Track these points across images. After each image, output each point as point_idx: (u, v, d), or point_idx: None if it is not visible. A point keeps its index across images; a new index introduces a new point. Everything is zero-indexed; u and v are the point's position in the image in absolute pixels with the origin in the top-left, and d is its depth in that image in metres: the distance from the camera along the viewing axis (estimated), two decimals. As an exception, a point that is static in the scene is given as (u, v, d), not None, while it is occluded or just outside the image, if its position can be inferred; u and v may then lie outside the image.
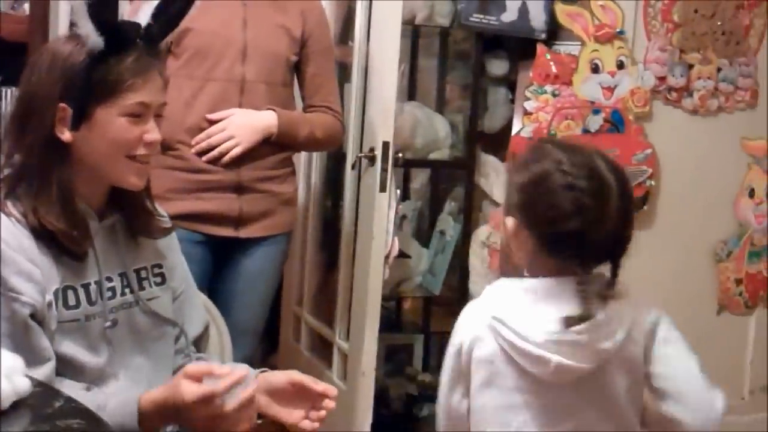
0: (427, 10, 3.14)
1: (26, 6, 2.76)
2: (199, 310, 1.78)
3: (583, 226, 1.37)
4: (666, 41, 2.73)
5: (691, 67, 2.78)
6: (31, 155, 1.50)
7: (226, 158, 2.21)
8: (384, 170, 2.57)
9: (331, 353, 2.82)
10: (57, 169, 1.50)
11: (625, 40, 2.68)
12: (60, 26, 2.77)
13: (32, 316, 1.44)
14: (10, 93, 2.76)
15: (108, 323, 1.54)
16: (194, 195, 2.21)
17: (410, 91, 3.23)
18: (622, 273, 2.70)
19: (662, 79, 2.74)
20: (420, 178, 3.31)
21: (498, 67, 3.16)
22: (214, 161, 2.22)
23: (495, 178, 3.10)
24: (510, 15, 2.91)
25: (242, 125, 2.21)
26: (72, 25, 1.52)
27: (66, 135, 1.50)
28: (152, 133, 1.55)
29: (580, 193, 1.37)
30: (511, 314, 1.42)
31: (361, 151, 2.66)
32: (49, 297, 1.46)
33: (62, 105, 1.49)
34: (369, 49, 2.71)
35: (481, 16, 2.92)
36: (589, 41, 2.65)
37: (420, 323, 3.26)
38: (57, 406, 1.26)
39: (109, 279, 1.56)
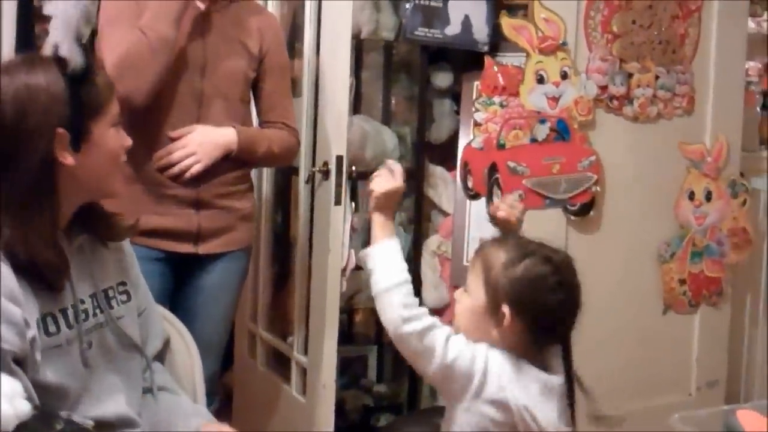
0: (372, 24, 3.18)
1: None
2: (158, 325, 1.80)
3: (569, 316, 1.65)
4: (606, 51, 2.82)
5: (630, 75, 2.87)
6: (25, 186, 1.47)
7: (187, 175, 2.21)
8: (338, 184, 2.60)
9: (289, 368, 2.83)
10: (52, 196, 1.50)
11: (568, 51, 2.76)
12: (5, 51, 2.74)
13: (14, 360, 1.42)
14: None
15: (84, 345, 1.54)
16: (154, 210, 2.21)
17: (356, 104, 3.27)
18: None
19: (604, 88, 2.82)
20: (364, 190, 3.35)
21: (442, 79, 3.22)
22: (175, 178, 2.22)
23: (443, 188, 3.16)
24: (453, 28, 2.98)
25: (203, 142, 2.22)
26: (55, 47, 1.52)
27: (69, 159, 1.50)
28: (127, 139, 1.62)
29: (569, 290, 1.66)
30: (532, 403, 1.60)
31: (314, 165, 2.69)
32: (32, 332, 1.45)
33: (60, 131, 1.48)
34: (319, 63, 2.74)
35: (426, 30, 2.97)
36: (534, 53, 2.72)
37: (372, 335, 3.30)
38: (58, 429, 1.27)
39: (82, 301, 1.56)
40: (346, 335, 3.20)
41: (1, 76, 1.50)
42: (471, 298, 1.64)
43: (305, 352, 2.72)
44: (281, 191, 3.13)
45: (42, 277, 1.48)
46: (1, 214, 1.46)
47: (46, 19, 2.90)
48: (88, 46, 1.57)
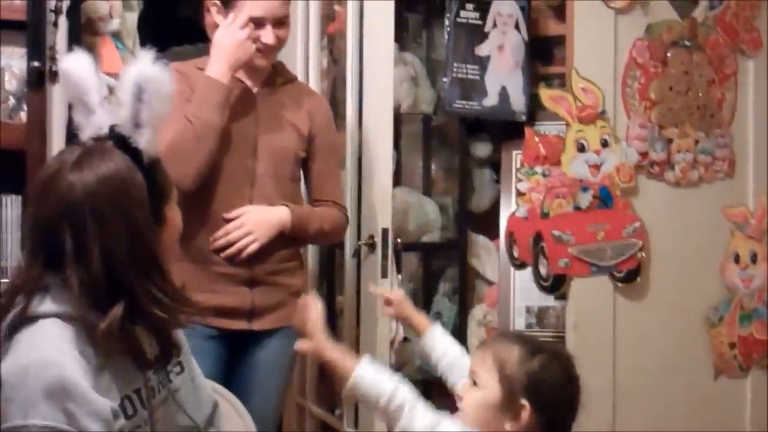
0: (411, 98, 3.26)
1: (23, 114, 2.80)
2: (206, 390, 1.79)
3: (576, 409, 1.69)
4: (645, 118, 2.85)
5: (670, 141, 2.89)
6: (153, 274, 1.48)
7: (244, 254, 2.26)
8: (385, 257, 2.63)
9: (338, 441, 2.83)
10: (167, 273, 1.52)
11: (607, 120, 2.79)
12: (56, 134, 2.82)
13: None
14: (10, 201, 2.79)
15: (155, 423, 1.55)
16: (209, 288, 2.25)
17: (396, 176, 3.32)
18: (622, 343, 2.78)
19: (644, 154, 2.85)
20: (411, 261, 3.37)
21: (482, 149, 3.27)
22: (232, 257, 2.26)
23: (486, 257, 3.18)
24: (491, 100, 3.04)
25: (258, 222, 2.27)
26: (124, 138, 1.52)
27: None
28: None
29: (577, 385, 1.69)
30: None
31: (359, 238, 2.72)
32: (121, 421, 1.46)
33: None
34: (362, 137, 2.80)
35: (464, 102, 3.04)
36: (574, 122, 2.75)
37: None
38: None
39: (149, 380, 1.56)
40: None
41: (74, 173, 1.46)
42: (483, 392, 1.65)
43: (355, 425, 2.72)
44: (326, 265, 3.16)
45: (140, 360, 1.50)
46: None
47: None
48: None
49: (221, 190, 2.28)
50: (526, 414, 1.62)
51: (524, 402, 1.62)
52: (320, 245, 3.03)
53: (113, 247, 1.45)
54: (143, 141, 1.50)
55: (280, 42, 2.37)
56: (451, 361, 1.92)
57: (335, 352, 1.74)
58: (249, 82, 2.38)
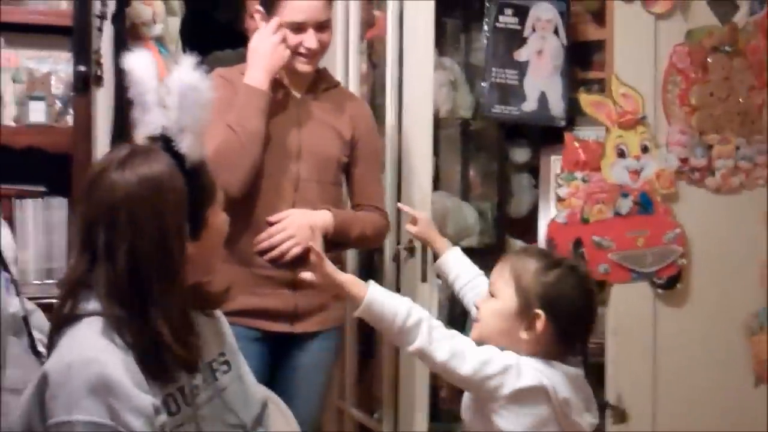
0: (449, 103, 3.27)
1: (69, 118, 2.84)
2: (254, 388, 1.81)
3: (591, 319, 1.76)
4: (686, 124, 2.84)
5: (711, 147, 2.88)
6: (175, 279, 1.52)
7: (287, 257, 2.28)
8: (424, 261, 2.65)
9: (377, 444, 2.84)
10: (183, 283, 1.55)
11: (647, 125, 2.79)
12: (101, 138, 2.86)
13: None
14: (57, 203, 2.84)
15: (199, 420, 1.58)
16: (252, 291, 2.28)
17: (435, 181, 3.32)
18: (662, 350, 2.77)
19: (685, 160, 2.84)
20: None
21: (521, 154, 3.27)
22: (274, 260, 2.29)
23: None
24: (530, 105, 3.04)
25: (301, 225, 2.30)
26: (166, 138, 1.56)
27: (191, 249, 1.54)
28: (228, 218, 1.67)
29: (592, 296, 1.75)
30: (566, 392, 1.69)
31: (399, 243, 2.74)
32: (163, 417, 1.49)
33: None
34: (401, 142, 2.81)
35: (503, 107, 3.04)
36: (614, 128, 2.75)
37: (458, 411, 3.28)
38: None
39: (193, 377, 1.60)
40: (431, 412, 3.20)
41: (117, 171, 1.50)
42: (500, 302, 1.71)
43: (395, 427, 2.73)
44: (365, 269, 3.18)
45: (175, 359, 1.52)
46: (140, 304, 1.49)
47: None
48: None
49: (265, 194, 2.31)
50: (541, 323, 1.67)
51: (539, 311, 1.67)
52: (360, 249, 3.05)
53: (139, 248, 1.48)
54: (185, 145, 1.53)
55: (323, 46, 2.39)
56: (469, 279, 2.00)
57: (344, 275, 1.79)
58: (292, 88, 2.41)
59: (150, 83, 1.56)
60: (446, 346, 1.67)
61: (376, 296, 1.71)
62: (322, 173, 2.38)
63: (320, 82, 2.46)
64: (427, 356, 1.67)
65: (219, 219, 1.62)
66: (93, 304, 1.51)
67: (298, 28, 2.34)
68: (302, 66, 2.37)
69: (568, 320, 1.69)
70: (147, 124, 1.56)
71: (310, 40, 2.34)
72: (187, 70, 1.54)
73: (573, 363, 1.75)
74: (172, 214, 1.50)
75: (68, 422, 1.41)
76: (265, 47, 2.31)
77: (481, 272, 2.00)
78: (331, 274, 1.77)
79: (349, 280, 1.78)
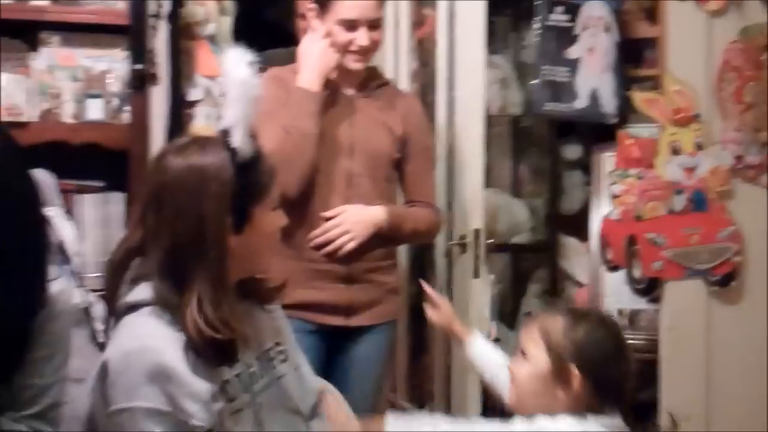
0: (500, 100, 3.28)
1: (125, 115, 2.89)
2: (312, 378, 1.84)
3: (629, 374, 1.71)
4: (740, 121, 2.81)
5: (765, 144, 2.85)
6: (214, 271, 1.53)
7: (342, 252, 2.31)
8: (476, 257, 2.66)
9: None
10: (229, 278, 1.57)
11: (702, 122, 2.77)
12: (156, 134, 2.91)
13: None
14: (114, 197, 2.89)
15: (256, 407, 1.60)
16: (307, 285, 2.31)
17: (485, 178, 3.33)
18: (716, 347, 2.75)
19: (739, 158, 2.81)
20: (501, 262, 3.38)
21: (572, 151, 3.27)
22: (329, 254, 2.31)
23: (576, 259, 3.18)
24: (582, 102, 3.03)
25: (356, 221, 2.32)
26: (225, 133, 1.58)
27: (233, 241, 1.56)
28: (284, 218, 1.68)
29: (623, 344, 1.73)
30: None
31: (451, 239, 2.75)
32: (220, 403, 1.52)
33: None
34: (453, 138, 2.82)
35: (554, 104, 3.03)
36: (668, 125, 2.74)
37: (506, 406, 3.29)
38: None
39: (250, 365, 1.62)
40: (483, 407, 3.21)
41: (171, 157, 1.57)
42: (533, 365, 1.69)
43: (445, 423, 2.74)
44: (417, 265, 3.19)
45: (220, 349, 1.55)
46: (181, 294, 1.52)
47: (192, 104, 3.09)
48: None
49: (319, 191, 2.34)
50: (576, 380, 1.64)
51: (573, 368, 1.65)
52: (412, 245, 3.07)
53: (179, 232, 1.52)
54: (236, 139, 1.56)
55: (374, 44, 2.41)
56: (496, 371, 1.96)
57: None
58: (344, 85, 2.44)
59: (233, 79, 1.57)
60: None
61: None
62: (374, 170, 2.40)
63: (371, 80, 2.49)
64: None
65: (267, 218, 1.62)
66: (148, 292, 1.54)
67: (351, 25, 2.36)
68: (353, 64, 2.39)
69: (603, 373, 1.67)
70: (224, 118, 1.60)
71: (362, 37, 2.36)
72: (235, 64, 1.57)
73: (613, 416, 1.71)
74: (213, 203, 1.53)
75: (129, 409, 1.46)
76: (315, 51, 2.35)
77: (507, 361, 1.97)
78: None
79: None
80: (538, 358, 1.68)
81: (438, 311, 2.15)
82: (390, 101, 2.48)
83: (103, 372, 1.50)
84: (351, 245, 2.31)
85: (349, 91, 2.44)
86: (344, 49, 2.38)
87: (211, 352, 1.52)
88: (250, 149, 1.58)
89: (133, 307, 1.55)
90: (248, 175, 1.57)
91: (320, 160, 2.33)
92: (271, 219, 1.63)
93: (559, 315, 1.73)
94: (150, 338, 1.49)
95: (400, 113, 2.46)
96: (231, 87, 1.57)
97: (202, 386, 1.49)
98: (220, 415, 1.52)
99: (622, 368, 1.70)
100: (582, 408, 1.66)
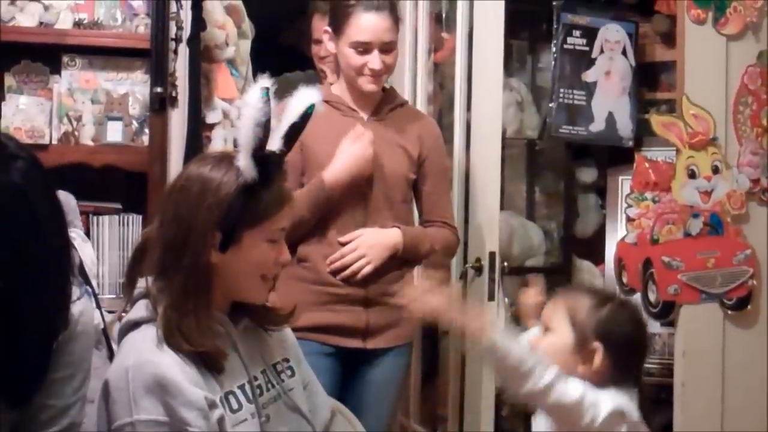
0: (516, 123, 3.29)
1: (145, 138, 2.93)
2: (323, 396, 1.85)
3: (644, 352, 1.86)
4: (757, 145, 2.82)
5: (782, 168, 2.86)
6: (187, 279, 1.56)
7: (359, 276, 2.32)
8: (492, 280, 2.67)
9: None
10: (204, 290, 1.59)
11: (719, 146, 2.77)
12: (174, 156, 2.94)
13: None
14: (132, 219, 2.92)
15: (263, 419, 1.62)
16: (325, 307, 2.32)
17: (500, 200, 3.34)
18: (731, 371, 2.74)
19: (756, 181, 2.81)
20: (515, 285, 3.38)
21: (587, 174, 3.28)
22: (347, 279, 2.33)
23: (591, 282, 3.18)
24: (598, 125, 3.05)
25: (372, 245, 2.34)
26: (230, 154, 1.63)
27: (214, 257, 1.58)
28: (285, 255, 1.68)
29: (644, 327, 1.84)
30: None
31: (466, 262, 2.76)
32: (219, 411, 1.54)
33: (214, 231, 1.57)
34: (469, 161, 2.84)
35: (570, 128, 3.05)
36: (685, 148, 2.74)
37: (521, 429, 3.29)
38: None
39: (255, 378, 1.64)
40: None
41: (191, 165, 1.64)
42: (557, 337, 1.77)
43: (460, 445, 2.75)
44: (431, 287, 3.20)
45: (207, 362, 1.57)
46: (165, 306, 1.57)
47: (210, 126, 3.12)
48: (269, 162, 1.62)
49: (336, 215, 2.35)
50: (599, 357, 1.73)
51: (596, 344, 1.73)
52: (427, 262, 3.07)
53: (169, 238, 1.58)
54: (239, 161, 1.58)
55: (387, 68, 2.43)
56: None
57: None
58: (359, 109, 2.45)
59: (244, 102, 1.61)
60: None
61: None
62: (391, 192, 2.41)
63: (387, 102, 2.50)
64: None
65: (258, 248, 1.61)
66: (149, 311, 1.58)
67: (364, 48, 2.38)
68: (367, 86, 2.41)
69: (623, 351, 1.76)
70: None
71: (374, 61, 2.38)
72: (252, 90, 1.60)
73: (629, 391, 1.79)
74: (204, 214, 1.56)
75: (130, 423, 1.49)
76: (356, 156, 2.34)
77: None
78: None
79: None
80: (563, 332, 1.76)
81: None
82: (406, 122, 2.49)
83: (105, 391, 1.54)
84: (367, 269, 2.32)
85: (365, 115, 2.46)
86: (358, 72, 2.40)
87: (196, 358, 1.55)
88: (252, 174, 1.58)
89: (135, 325, 1.59)
90: (247, 198, 1.59)
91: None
92: (262, 249, 1.62)
93: (585, 294, 1.82)
94: (147, 352, 1.53)
95: (416, 134, 2.47)
96: (242, 110, 1.61)
97: (197, 393, 1.52)
98: (220, 422, 1.54)
99: (641, 348, 1.82)
100: (599, 383, 1.73)
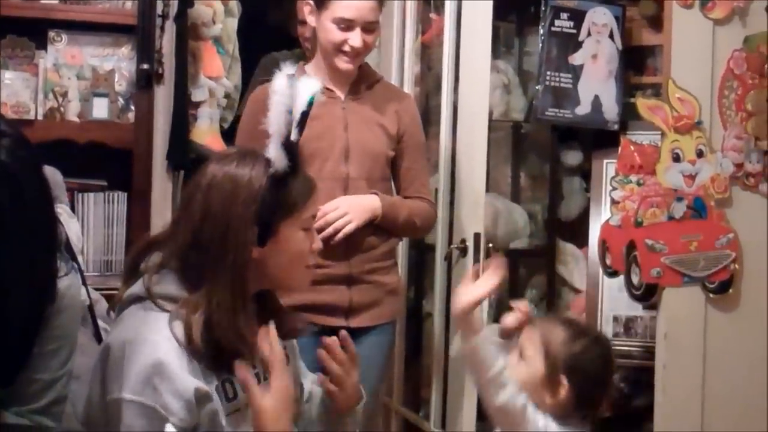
0: (503, 105, 3.29)
1: (130, 115, 2.91)
2: (310, 375, 1.90)
3: (606, 388, 1.88)
4: (741, 129, 2.83)
5: (766, 153, 2.86)
6: (234, 278, 1.56)
7: (341, 234, 2.32)
8: (476, 261, 2.68)
9: (424, 440, 2.87)
10: (247, 287, 1.59)
11: (703, 130, 2.78)
12: (159, 134, 2.93)
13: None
14: (117, 197, 2.91)
15: None
16: (309, 287, 2.31)
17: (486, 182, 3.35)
18: (713, 354, 2.77)
19: (740, 165, 2.82)
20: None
21: (573, 157, 3.29)
22: (330, 238, 2.31)
23: (574, 265, 3.20)
24: (584, 108, 3.05)
25: (352, 204, 2.35)
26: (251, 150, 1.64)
27: (254, 252, 1.59)
28: (318, 242, 1.70)
29: (612, 367, 1.89)
30: None
31: (451, 243, 2.77)
32: (213, 406, 1.54)
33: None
34: (455, 143, 2.84)
35: (556, 110, 3.05)
36: (670, 132, 2.76)
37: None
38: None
39: (254, 366, 1.63)
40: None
41: (213, 164, 1.62)
42: (528, 367, 1.81)
43: (442, 425, 2.76)
44: (415, 267, 3.21)
45: (217, 356, 1.56)
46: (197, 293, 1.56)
47: (196, 105, 3.11)
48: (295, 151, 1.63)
49: (316, 197, 2.34)
50: (564, 390, 1.78)
51: (563, 379, 1.78)
52: (408, 245, 3.08)
53: (203, 233, 1.57)
54: (270, 152, 1.60)
55: (367, 47, 2.42)
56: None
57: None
58: (336, 88, 2.44)
59: (271, 90, 1.61)
60: None
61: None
62: (370, 171, 2.41)
63: (363, 80, 2.49)
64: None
65: (295, 237, 1.63)
66: (161, 287, 1.58)
67: (347, 25, 2.36)
68: (344, 64, 2.40)
69: (588, 388, 1.82)
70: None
71: (355, 38, 2.37)
72: (278, 78, 1.60)
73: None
74: (240, 209, 1.56)
75: (118, 399, 1.50)
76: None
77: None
78: None
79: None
80: (534, 362, 1.81)
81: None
82: (383, 100, 2.49)
83: (104, 355, 1.55)
84: (350, 227, 2.32)
85: (341, 95, 2.45)
86: (336, 48, 2.38)
87: (207, 355, 1.55)
88: (283, 163, 1.59)
89: (138, 299, 1.60)
90: (280, 190, 1.60)
91: (315, 166, 2.33)
92: (298, 238, 1.64)
93: (561, 326, 1.86)
94: (149, 331, 1.53)
95: (393, 110, 2.48)
96: (272, 98, 1.60)
97: (188, 384, 1.51)
98: (213, 416, 1.54)
99: (605, 387, 1.87)
100: (561, 415, 1.80)
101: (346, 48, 2.38)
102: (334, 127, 2.40)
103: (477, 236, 2.68)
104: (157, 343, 1.51)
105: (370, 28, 2.39)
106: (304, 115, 1.65)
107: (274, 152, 1.59)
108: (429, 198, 2.55)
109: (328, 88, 2.42)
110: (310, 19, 2.44)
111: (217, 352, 1.55)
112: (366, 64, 2.55)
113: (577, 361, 1.80)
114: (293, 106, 1.61)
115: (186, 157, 2.94)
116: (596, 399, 1.85)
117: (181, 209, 1.64)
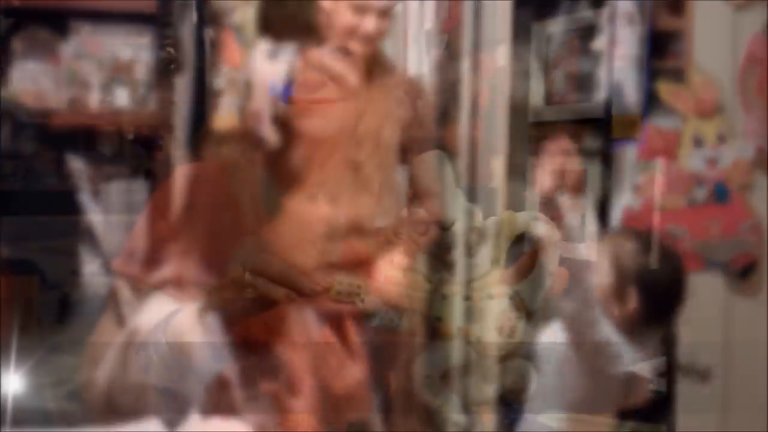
0: (522, 92, 3.28)
1: (151, 103, 2.93)
2: None
3: (677, 304, 1.93)
4: (763, 113, 2.82)
5: (788, 137, 2.86)
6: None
7: None
8: (496, 247, 2.67)
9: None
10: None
11: (725, 114, 2.77)
12: (180, 122, 2.94)
13: None
14: (138, 185, 2.93)
15: None
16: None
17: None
18: (733, 341, 2.77)
19: (761, 150, 2.81)
20: (517, 253, 3.40)
21: (593, 142, 3.27)
22: None
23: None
24: (604, 94, 3.03)
25: None
26: None
27: (266, 231, 1.61)
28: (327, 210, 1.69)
29: (683, 277, 1.94)
30: None
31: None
32: None
33: None
34: (475, 129, 2.83)
35: (576, 96, 3.04)
36: (691, 117, 2.75)
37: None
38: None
39: None
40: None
41: None
42: (598, 278, 1.83)
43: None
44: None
45: None
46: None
47: (216, 93, 3.11)
48: None
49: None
50: (632, 302, 1.73)
51: (632, 291, 1.78)
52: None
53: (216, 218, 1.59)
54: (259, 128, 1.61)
55: (380, 33, 2.39)
56: None
57: None
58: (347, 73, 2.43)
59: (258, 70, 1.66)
60: None
61: None
62: (381, 158, 2.40)
63: (374, 66, 2.47)
64: None
65: (301, 207, 1.63)
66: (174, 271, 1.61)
67: (360, 9, 2.34)
68: (356, 48, 2.39)
69: (656, 302, 1.82)
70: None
71: (368, 23, 2.34)
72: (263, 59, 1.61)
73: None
74: (246, 188, 1.60)
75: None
76: None
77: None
78: None
79: None
80: (603, 271, 1.78)
81: None
82: (394, 86, 2.48)
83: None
84: None
85: (352, 81, 2.44)
86: (348, 33, 2.36)
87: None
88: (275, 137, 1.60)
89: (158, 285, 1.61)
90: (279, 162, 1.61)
91: (326, 153, 2.33)
92: (307, 208, 1.63)
93: (632, 240, 1.78)
94: (172, 316, 1.52)
95: (404, 97, 2.46)
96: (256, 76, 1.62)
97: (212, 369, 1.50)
98: None
99: (674, 300, 1.89)
100: (629, 328, 1.77)
101: (359, 33, 2.37)
102: (344, 115, 2.40)
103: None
104: (182, 329, 1.50)
105: (384, 13, 2.38)
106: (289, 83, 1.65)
107: (263, 128, 1.60)
108: None
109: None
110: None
111: None
112: (379, 50, 2.54)
113: (646, 273, 1.75)
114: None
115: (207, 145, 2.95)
116: (664, 312, 1.81)
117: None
